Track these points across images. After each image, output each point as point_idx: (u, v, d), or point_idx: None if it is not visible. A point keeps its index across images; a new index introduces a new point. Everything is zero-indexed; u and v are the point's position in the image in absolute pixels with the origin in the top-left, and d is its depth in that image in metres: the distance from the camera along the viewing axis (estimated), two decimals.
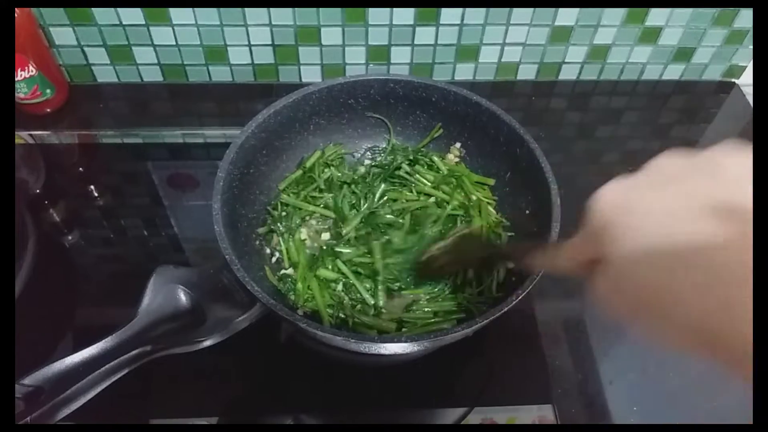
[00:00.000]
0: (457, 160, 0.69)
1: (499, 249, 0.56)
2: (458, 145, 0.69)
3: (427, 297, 0.58)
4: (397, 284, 0.58)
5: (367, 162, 0.70)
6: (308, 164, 0.66)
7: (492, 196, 0.66)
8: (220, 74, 0.83)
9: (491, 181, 0.66)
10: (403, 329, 0.56)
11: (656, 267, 0.26)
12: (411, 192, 0.66)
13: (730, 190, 0.26)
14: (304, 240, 0.62)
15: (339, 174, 0.67)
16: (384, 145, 0.70)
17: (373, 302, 0.57)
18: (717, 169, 0.27)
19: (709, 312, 0.24)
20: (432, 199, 0.65)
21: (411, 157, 0.68)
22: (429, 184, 0.66)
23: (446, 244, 0.56)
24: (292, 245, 0.61)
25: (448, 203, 0.65)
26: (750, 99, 0.87)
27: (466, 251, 0.55)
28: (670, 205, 0.26)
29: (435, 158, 0.68)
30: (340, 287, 0.58)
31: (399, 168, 0.67)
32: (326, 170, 0.67)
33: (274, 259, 0.62)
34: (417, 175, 0.67)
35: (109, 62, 0.80)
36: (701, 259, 0.25)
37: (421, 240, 0.59)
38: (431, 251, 0.56)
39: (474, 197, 0.65)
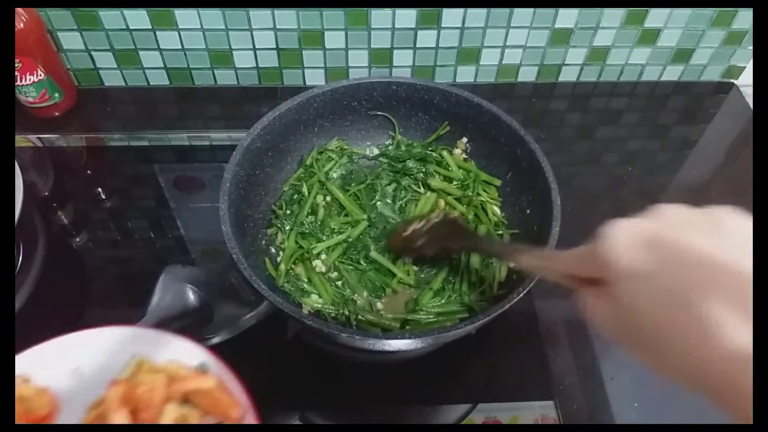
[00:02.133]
0: (464, 156, 0.69)
1: (492, 245, 0.55)
2: (464, 140, 0.68)
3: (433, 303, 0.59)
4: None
5: (373, 152, 0.71)
6: (308, 161, 0.67)
7: (498, 197, 0.66)
8: (225, 78, 0.84)
9: (498, 182, 0.66)
10: (407, 327, 0.57)
11: (658, 313, 0.27)
12: (419, 188, 0.67)
13: (732, 249, 0.26)
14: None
15: (341, 165, 0.67)
16: (389, 142, 0.71)
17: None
18: (719, 227, 0.27)
19: (701, 359, 0.26)
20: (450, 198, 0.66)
21: (420, 156, 0.68)
22: (455, 182, 0.66)
23: (431, 224, 0.55)
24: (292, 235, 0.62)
25: (470, 202, 0.65)
26: (748, 99, 0.87)
27: (449, 237, 0.53)
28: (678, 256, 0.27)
29: (444, 153, 0.68)
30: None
31: (406, 160, 0.67)
32: (327, 164, 0.67)
33: (279, 258, 0.62)
34: (432, 172, 0.67)
35: (116, 66, 0.81)
36: (701, 311, 0.25)
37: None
38: (414, 227, 0.55)
39: (482, 197, 0.65)
